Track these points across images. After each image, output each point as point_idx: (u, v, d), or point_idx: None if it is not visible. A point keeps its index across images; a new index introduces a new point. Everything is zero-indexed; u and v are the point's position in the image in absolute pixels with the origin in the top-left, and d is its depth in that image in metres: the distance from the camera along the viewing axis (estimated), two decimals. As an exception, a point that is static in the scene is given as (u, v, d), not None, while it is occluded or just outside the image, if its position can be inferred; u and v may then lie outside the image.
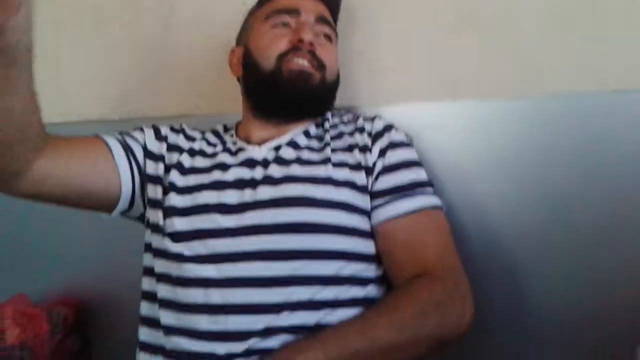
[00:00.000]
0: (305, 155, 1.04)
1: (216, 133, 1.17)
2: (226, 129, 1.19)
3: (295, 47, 1.05)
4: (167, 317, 0.97)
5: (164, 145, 1.11)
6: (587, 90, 1.14)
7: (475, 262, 1.11)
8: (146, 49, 1.47)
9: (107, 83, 1.51)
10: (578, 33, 1.15)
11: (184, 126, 1.17)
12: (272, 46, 1.06)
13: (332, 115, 1.14)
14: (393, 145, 1.05)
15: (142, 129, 1.14)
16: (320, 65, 1.06)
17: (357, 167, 1.02)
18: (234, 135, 1.15)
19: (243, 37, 1.16)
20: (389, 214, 0.99)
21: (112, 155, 1.06)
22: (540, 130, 1.16)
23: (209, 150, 1.11)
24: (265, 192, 0.98)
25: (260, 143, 1.08)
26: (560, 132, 1.14)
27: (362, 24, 1.27)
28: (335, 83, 1.12)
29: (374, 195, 1.01)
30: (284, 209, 0.96)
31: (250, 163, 1.04)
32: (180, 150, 1.11)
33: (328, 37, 1.12)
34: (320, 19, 1.10)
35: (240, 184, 1.01)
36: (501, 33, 1.18)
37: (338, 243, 0.96)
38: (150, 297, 1.04)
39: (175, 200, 1.03)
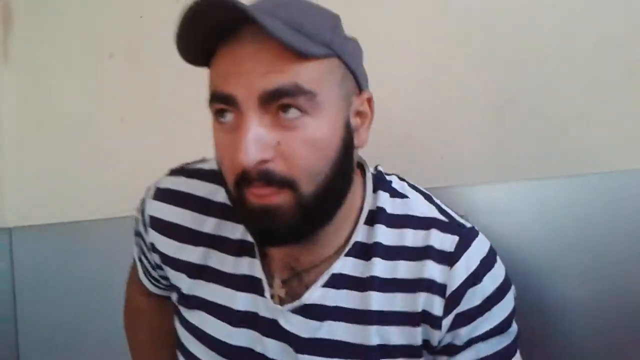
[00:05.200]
0: (344, 334, 0.78)
1: (230, 211, 0.85)
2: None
3: (245, 175, 0.70)
4: None
5: (150, 237, 0.96)
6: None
7: (535, 344, 1.06)
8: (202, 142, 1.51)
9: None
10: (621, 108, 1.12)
11: (175, 207, 0.92)
12: (223, 166, 0.75)
13: (394, 222, 0.81)
14: (473, 313, 0.75)
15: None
16: (285, 183, 0.70)
17: (414, 350, 0.77)
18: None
19: None
20: None
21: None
22: (598, 208, 1.12)
23: (223, 264, 0.87)
24: None
25: (279, 271, 0.84)
26: (617, 210, 1.10)
27: (405, 105, 1.23)
28: (333, 172, 0.73)
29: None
30: None
31: (272, 331, 0.82)
32: (178, 262, 0.91)
33: (292, 113, 0.69)
34: (270, 97, 0.68)
35: (245, 356, 0.83)
36: (547, 112, 1.16)
37: None
38: None
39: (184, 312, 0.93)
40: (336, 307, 0.79)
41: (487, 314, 0.76)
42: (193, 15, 0.66)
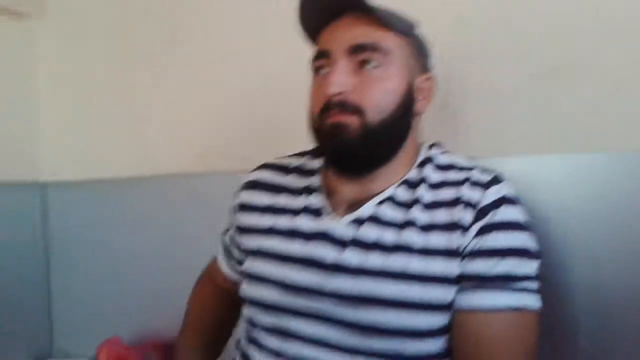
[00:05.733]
0: (387, 236, 0.92)
1: (303, 172, 1.07)
2: (317, 155, 1.08)
3: (327, 104, 0.92)
4: None
5: (238, 215, 1.11)
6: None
7: (578, 315, 1.07)
8: (229, 103, 1.54)
9: (194, 136, 1.60)
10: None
11: (262, 175, 1.11)
12: (313, 104, 0.96)
13: (439, 167, 0.98)
14: (496, 226, 0.89)
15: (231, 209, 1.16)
16: (355, 110, 0.91)
17: (448, 253, 0.89)
18: (320, 173, 1.05)
19: None
20: (467, 303, 0.88)
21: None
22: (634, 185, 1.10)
23: (291, 203, 1.03)
24: (335, 282, 0.91)
25: (342, 204, 0.98)
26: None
27: (456, 73, 1.22)
28: (394, 116, 0.93)
29: (460, 279, 0.89)
30: (356, 306, 0.89)
31: (326, 238, 0.95)
32: (256, 209, 1.07)
33: (370, 64, 0.92)
34: (355, 49, 0.92)
35: (312, 264, 0.94)
36: (587, 85, 1.14)
37: (415, 347, 0.89)
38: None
39: (252, 264, 1.03)
40: (384, 220, 0.94)
41: (504, 233, 0.89)
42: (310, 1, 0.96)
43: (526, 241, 0.91)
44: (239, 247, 1.12)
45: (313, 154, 1.09)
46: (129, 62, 1.72)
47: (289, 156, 1.13)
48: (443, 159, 0.99)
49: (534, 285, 0.89)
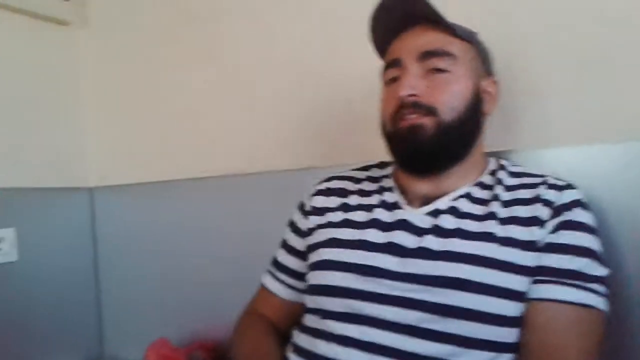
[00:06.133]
0: (467, 225, 0.94)
1: (373, 179, 1.13)
2: (383, 166, 1.15)
3: (400, 107, 0.98)
4: None
5: (310, 218, 1.12)
6: None
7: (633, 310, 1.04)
8: (278, 105, 1.54)
9: (241, 139, 1.60)
10: None
11: (331, 183, 1.15)
12: (385, 109, 1.02)
13: (513, 174, 1.02)
14: (572, 225, 0.92)
15: (291, 222, 1.18)
16: (429, 110, 0.96)
17: (526, 245, 0.92)
18: (392, 176, 1.10)
19: None
20: (539, 294, 0.90)
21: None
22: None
23: (365, 201, 1.07)
24: (416, 266, 0.92)
25: (416, 200, 1.02)
26: None
27: (527, 63, 1.19)
28: (464, 116, 0.98)
29: (535, 271, 0.91)
30: (434, 288, 0.90)
31: (405, 226, 0.98)
32: (329, 209, 1.10)
33: (441, 69, 0.98)
34: (424, 55, 0.98)
35: (392, 249, 0.96)
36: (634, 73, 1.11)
37: (491, 333, 0.89)
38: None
39: (324, 252, 1.03)
40: (462, 211, 0.97)
41: (579, 233, 0.92)
42: (381, 10, 1.01)
43: (598, 246, 0.94)
44: (301, 254, 1.13)
45: (379, 166, 1.16)
46: (173, 67, 1.74)
47: (354, 169, 1.18)
48: (515, 168, 1.05)
49: (603, 289, 0.91)
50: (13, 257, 1.64)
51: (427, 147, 0.97)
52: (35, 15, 1.76)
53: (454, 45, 0.99)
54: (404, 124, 0.97)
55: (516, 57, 1.18)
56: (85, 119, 1.91)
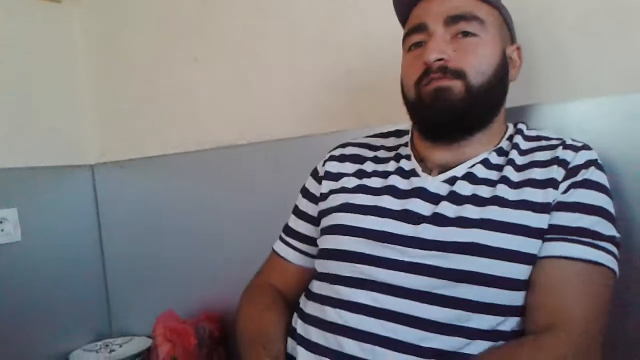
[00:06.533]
0: (482, 191, 0.93)
1: (389, 147, 1.11)
2: (400, 134, 1.14)
3: (427, 71, 0.95)
4: (317, 335, 0.98)
5: (322, 183, 1.11)
6: None
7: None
8: (271, 75, 1.53)
9: (237, 110, 1.60)
10: None
11: (346, 149, 1.13)
12: (409, 75, 0.99)
13: (529, 138, 1.01)
14: (585, 183, 0.91)
15: (304, 188, 1.17)
16: (458, 74, 0.94)
17: (541, 207, 0.90)
18: (409, 144, 1.08)
19: None
20: (547, 252, 0.88)
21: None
22: None
23: (380, 168, 1.06)
24: (430, 232, 0.92)
25: (434, 168, 1.01)
26: None
27: (545, 13, 1.16)
28: (492, 81, 0.96)
29: (546, 231, 0.90)
30: (447, 254, 0.89)
31: (421, 194, 0.97)
32: (343, 175, 1.08)
33: (469, 33, 0.96)
34: (452, 19, 0.96)
35: (406, 216, 0.95)
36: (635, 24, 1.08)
37: (502, 297, 0.88)
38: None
39: (337, 217, 1.02)
40: (478, 177, 0.96)
41: (592, 192, 0.91)
42: None
43: (611, 206, 0.92)
44: (313, 219, 1.12)
45: (395, 134, 1.14)
46: (167, 40, 1.73)
47: (370, 136, 1.16)
48: (531, 132, 1.03)
49: (614, 249, 0.89)
50: (16, 237, 1.64)
51: (455, 110, 0.94)
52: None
53: (482, 10, 0.98)
54: (431, 87, 0.95)
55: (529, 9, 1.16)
56: (82, 96, 1.89)
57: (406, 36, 1.02)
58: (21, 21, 1.74)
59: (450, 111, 0.94)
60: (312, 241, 1.12)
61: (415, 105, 0.99)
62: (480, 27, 0.96)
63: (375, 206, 0.99)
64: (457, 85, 0.94)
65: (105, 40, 1.87)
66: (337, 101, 1.41)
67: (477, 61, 0.95)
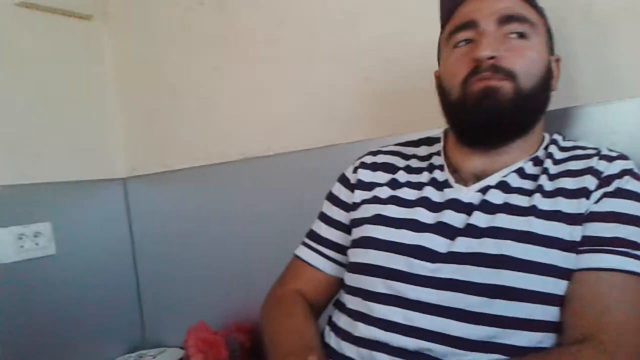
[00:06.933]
0: (515, 200, 0.91)
1: (421, 157, 1.08)
2: (431, 142, 1.10)
3: (477, 68, 0.92)
4: (350, 351, 0.96)
5: (355, 192, 1.08)
6: None
7: None
8: (291, 85, 1.54)
9: (258, 122, 1.61)
10: None
11: (377, 157, 1.11)
12: (454, 72, 0.96)
13: (564, 149, 0.98)
14: (618, 193, 0.88)
15: (332, 195, 1.13)
16: (509, 74, 0.91)
17: (573, 218, 0.87)
18: (442, 154, 1.05)
19: (439, 60, 1.07)
20: (583, 264, 0.85)
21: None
22: None
23: (414, 179, 1.03)
24: (463, 245, 0.89)
25: (468, 178, 0.98)
26: None
27: (588, 12, 1.13)
28: (539, 86, 0.94)
29: (581, 243, 0.87)
30: (480, 268, 0.87)
31: (454, 206, 0.94)
32: (375, 185, 1.05)
33: (520, 35, 0.94)
34: (505, 19, 0.94)
35: (440, 230, 0.93)
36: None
37: (537, 313, 0.85)
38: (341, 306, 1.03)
39: (369, 230, 1.00)
40: (511, 187, 0.93)
41: (626, 201, 0.88)
42: None
43: None
44: (344, 227, 1.09)
45: (426, 142, 1.11)
46: (192, 54, 1.74)
47: (401, 144, 1.14)
48: (567, 142, 1.00)
49: None
50: (51, 250, 1.68)
51: (502, 111, 0.91)
52: (58, 12, 1.78)
53: (532, 14, 0.96)
54: (480, 85, 0.91)
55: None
56: (113, 111, 1.93)
57: (452, 33, 0.98)
58: (52, 37, 1.78)
59: (497, 112, 0.91)
60: (343, 249, 1.08)
61: (458, 105, 0.95)
62: (531, 30, 0.94)
63: (409, 219, 0.96)
64: (506, 86, 0.91)
65: (132, 56, 1.90)
66: (358, 109, 1.41)
67: (528, 64, 0.92)
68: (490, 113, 0.92)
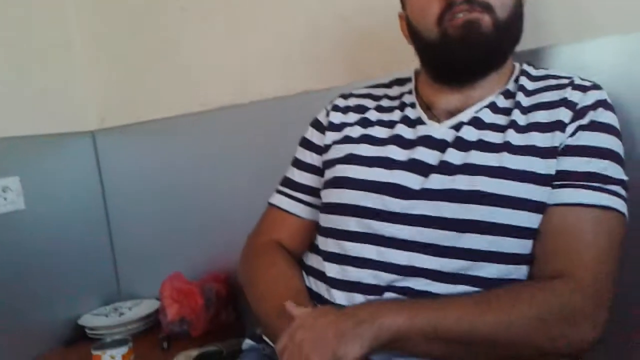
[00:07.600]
0: (488, 136, 0.91)
1: (392, 96, 1.07)
2: (402, 83, 1.09)
3: (450, 4, 0.90)
4: (324, 292, 0.96)
5: (327, 134, 1.08)
6: None
7: None
8: (263, 29, 1.51)
9: (229, 67, 1.58)
10: None
11: (349, 100, 1.10)
12: (425, 11, 0.93)
13: (535, 78, 0.98)
14: (592, 126, 0.89)
15: (305, 140, 1.12)
16: (485, 6, 0.89)
17: (547, 152, 0.88)
18: (413, 92, 1.04)
19: (403, 1, 1.04)
20: (556, 199, 0.86)
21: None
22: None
23: (385, 117, 1.03)
24: (436, 182, 0.89)
25: (441, 115, 0.97)
26: None
27: None
28: (514, 15, 0.93)
29: (554, 177, 0.88)
30: (452, 204, 0.87)
31: (427, 142, 0.94)
32: (346, 125, 1.05)
33: None
34: None
35: (413, 167, 0.93)
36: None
37: (509, 245, 0.87)
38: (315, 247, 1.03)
39: (341, 169, 0.99)
40: (484, 122, 0.93)
41: (600, 134, 0.89)
42: None
43: (620, 148, 0.90)
44: (317, 170, 1.08)
45: (396, 82, 1.10)
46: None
47: (372, 86, 1.13)
48: (537, 72, 1.00)
49: (623, 192, 0.87)
50: (20, 205, 1.64)
51: (486, 44, 0.91)
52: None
53: None
54: (458, 21, 0.89)
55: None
56: (80, 62, 1.87)
57: None
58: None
59: (481, 45, 0.91)
60: (317, 192, 1.08)
61: (439, 44, 0.93)
62: None
63: (381, 157, 0.96)
64: (485, 18, 0.89)
65: (101, 5, 1.84)
66: (335, 54, 1.39)
67: None
68: (475, 47, 0.91)
